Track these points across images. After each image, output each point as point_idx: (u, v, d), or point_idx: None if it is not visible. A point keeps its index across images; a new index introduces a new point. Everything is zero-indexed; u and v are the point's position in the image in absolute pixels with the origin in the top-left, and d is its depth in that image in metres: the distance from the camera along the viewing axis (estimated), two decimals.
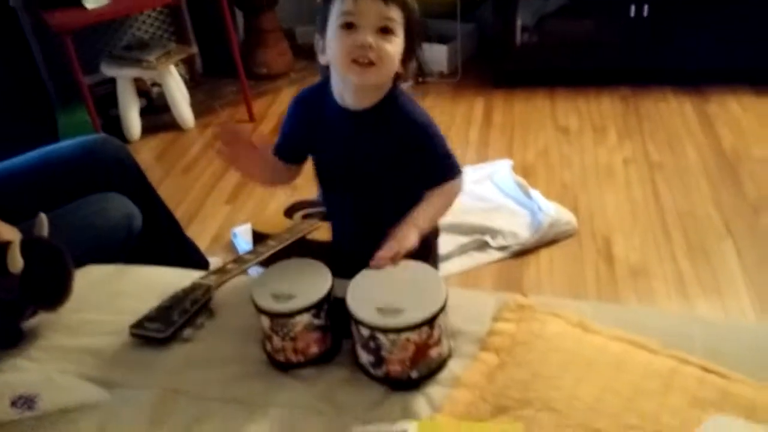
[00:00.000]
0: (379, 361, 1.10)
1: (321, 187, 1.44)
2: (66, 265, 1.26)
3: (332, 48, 1.18)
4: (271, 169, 1.37)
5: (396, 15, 1.15)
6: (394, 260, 1.18)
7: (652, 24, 3.00)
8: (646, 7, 2.96)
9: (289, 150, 1.39)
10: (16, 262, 1.19)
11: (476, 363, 1.13)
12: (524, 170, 2.64)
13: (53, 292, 1.26)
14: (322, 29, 1.21)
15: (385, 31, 1.15)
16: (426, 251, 1.40)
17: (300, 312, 1.13)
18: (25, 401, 1.13)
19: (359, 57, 1.14)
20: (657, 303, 1.99)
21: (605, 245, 2.23)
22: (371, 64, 1.15)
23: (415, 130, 1.25)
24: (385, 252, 1.18)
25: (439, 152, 1.28)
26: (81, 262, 1.42)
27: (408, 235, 1.21)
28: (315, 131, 1.33)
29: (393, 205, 1.27)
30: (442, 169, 1.29)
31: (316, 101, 1.31)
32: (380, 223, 1.24)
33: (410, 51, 1.22)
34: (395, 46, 1.17)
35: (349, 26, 1.14)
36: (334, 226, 1.49)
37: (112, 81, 3.18)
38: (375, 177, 1.30)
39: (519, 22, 3.18)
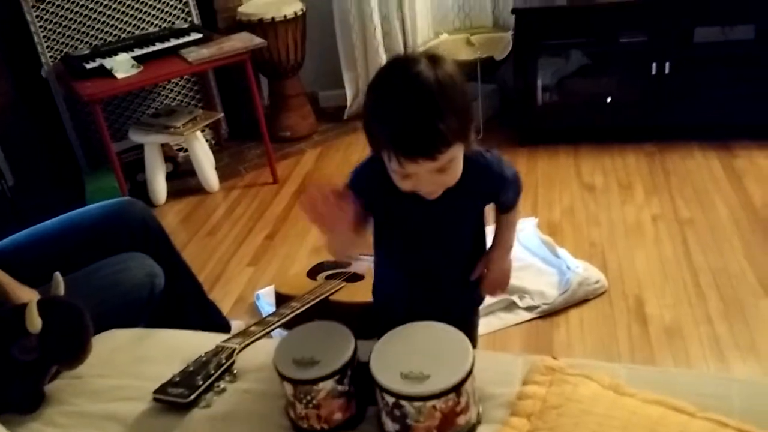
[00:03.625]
0: (405, 429, 1.06)
1: (381, 247, 1.40)
2: (84, 323, 1.28)
3: (396, 182, 1.17)
4: (357, 222, 1.26)
5: (448, 156, 1.11)
6: (503, 289, 1.42)
7: (673, 81, 3.00)
8: (667, 64, 2.96)
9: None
10: (35, 321, 1.22)
11: (506, 429, 1.09)
12: (550, 229, 2.61)
13: (72, 349, 1.28)
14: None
15: (443, 170, 1.13)
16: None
17: (323, 379, 1.10)
18: None
19: (423, 194, 1.18)
20: (692, 364, 1.92)
21: (637, 305, 2.17)
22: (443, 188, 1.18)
23: (495, 178, 1.29)
24: (493, 284, 1.40)
25: (512, 181, 1.33)
26: (103, 321, 1.43)
27: (505, 262, 1.41)
28: (386, 205, 1.27)
29: (457, 256, 1.37)
30: (514, 193, 1.36)
31: (380, 178, 1.21)
32: (440, 275, 1.37)
33: (470, 140, 1.18)
34: (455, 169, 1.15)
35: (407, 176, 1.14)
36: (385, 286, 1.47)
37: (140, 147, 3.25)
38: (447, 235, 1.33)
39: (540, 82, 3.20)
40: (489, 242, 1.42)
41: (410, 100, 1.08)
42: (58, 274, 1.33)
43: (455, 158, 1.13)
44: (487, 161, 1.28)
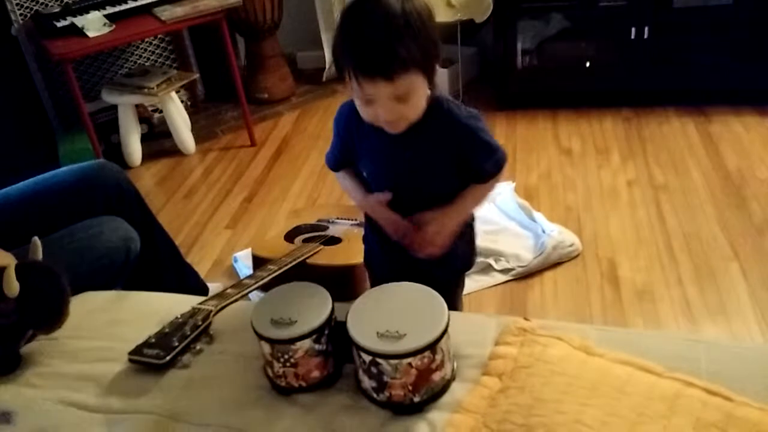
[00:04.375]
0: (382, 386, 1.08)
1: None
2: (62, 288, 1.27)
3: (359, 109, 1.22)
4: None
5: (406, 82, 1.14)
6: (428, 252, 1.32)
7: (652, 45, 3.01)
8: (646, 29, 2.96)
9: (343, 162, 1.42)
10: (12, 285, 1.20)
11: (478, 387, 1.11)
12: (527, 192, 2.63)
13: (50, 314, 1.27)
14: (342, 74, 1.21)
15: (403, 98, 1.16)
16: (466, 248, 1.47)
17: (301, 338, 1.11)
18: (2, 416, 1.15)
19: (383, 124, 1.21)
20: (663, 326, 1.96)
21: (610, 268, 2.21)
22: (403, 119, 1.20)
23: (461, 129, 1.27)
24: (420, 241, 1.31)
25: (489, 148, 1.31)
26: (80, 285, 1.42)
27: (446, 226, 1.32)
28: (358, 143, 1.35)
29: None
30: (492, 164, 1.32)
31: (356, 115, 1.29)
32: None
33: (433, 76, 1.21)
34: (415, 102, 1.18)
35: (368, 101, 1.18)
36: (369, 246, 1.51)
37: (114, 108, 3.19)
38: (423, 187, 1.32)
39: (519, 46, 3.19)
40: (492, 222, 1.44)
41: (373, 21, 1.13)
42: (36, 238, 1.31)
43: (414, 89, 1.16)
44: (450, 108, 1.27)
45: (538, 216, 2.41)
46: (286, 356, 1.12)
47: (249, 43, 3.68)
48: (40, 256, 1.30)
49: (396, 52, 1.11)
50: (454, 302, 1.49)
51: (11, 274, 1.20)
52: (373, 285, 1.50)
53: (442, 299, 1.14)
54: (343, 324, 1.11)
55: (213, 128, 3.50)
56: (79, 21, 2.82)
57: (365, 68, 1.13)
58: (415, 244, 1.33)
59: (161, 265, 1.89)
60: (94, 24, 2.82)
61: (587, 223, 2.43)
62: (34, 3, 3.08)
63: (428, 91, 1.22)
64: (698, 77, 3.08)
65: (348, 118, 1.34)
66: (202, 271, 2.29)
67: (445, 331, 1.08)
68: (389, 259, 1.43)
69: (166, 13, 2.94)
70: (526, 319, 1.26)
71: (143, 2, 3.01)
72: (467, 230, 1.43)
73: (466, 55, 3.53)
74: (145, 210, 1.86)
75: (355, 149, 1.36)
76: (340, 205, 2.70)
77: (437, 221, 1.32)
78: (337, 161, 1.44)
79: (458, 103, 1.30)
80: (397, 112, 1.18)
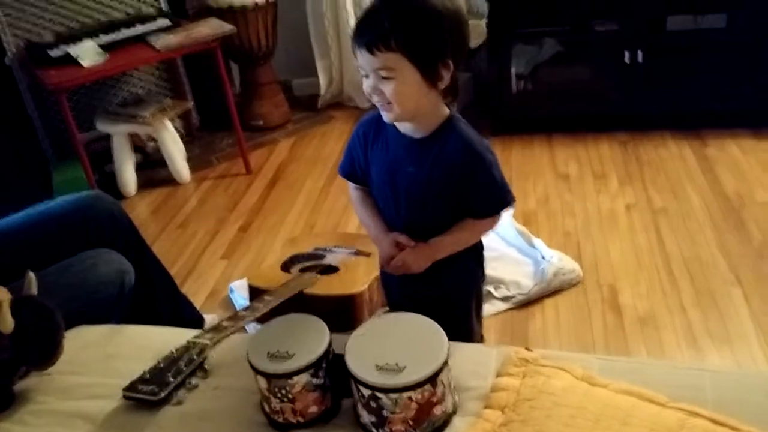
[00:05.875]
0: (382, 421, 1.06)
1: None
2: (56, 324, 1.26)
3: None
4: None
5: (389, 61, 1.16)
6: (395, 270, 1.31)
7: (646, 69, 3.01)
8: (640, 52, 2.98)
9: (355, 171, 1.41)
10: (7, 321, 1.20)
11: (480, 421, 1.09)
12: (525, 218, 2.61)
13: (44, 351, 1.25)
14: None
15: (384, 76, 1.18)
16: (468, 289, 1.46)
17: (298, 372, 1.09)
18: None
19: (375, 101, 1.22)
20: (666, 353, 1.93)
21: (611, 294, 2.18)
22: (389, 103, 1.20)
23: (470, 156, 1.26)
24: (394, 261, 1.30)
25: (495, 185, 1.29)
26: (74, 319, 1.41)
27: (420, 261, 1.30)
28: (370, 152, 1.35)
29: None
30: (494, 203, 1.31)
31: (377, 123, 1.33)
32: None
33: (432, 76, 1.20)
34: (399, 87, 1.18)
35: (364, 74, 1.22)
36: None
37: (108, 137, 3.18)
38: (421, 203, 1.31)
39: (514, 70, 3.20)
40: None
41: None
42: (31, 273, 1.30)
43: (397, 72, 1.17)
44: (465, 131, 1.28)
45: (538, 242, 2.39)
46: (284, 391, 1.10)
47: (244, 70, 3.68)
48: (35, 290, 1.29)
49: (382, 27, 1.15)
50: (469, 326, 1.47)
51: (6, 310, 1.19)
52: (389, 306, 1.53)
53: (441, 330, 1.12)
54: (341, 357, 1.09)
55: (208, 156, 3.49)
56: (73, 50, 2.82)
57: (355, 35, 1.19)
58: (386, 261, 1.33)
59: (156, 297, 1.87)
60: (88, 53, 2.81)
61: (587, 248, 2.41)
62: (27, 32, 3.08)
63: (425, 90, 1.21)
64: (693, 100, 3.08)
65: (367, 125, 1.36)
66: (197, 301, 2.26)
67: (445, 363, 1.06)
68: (399, 281, 1.41)
69: (161, 41, 2.93)
70: (527, 348, 1.24)
71: (137, 31, 3.01)
72: (470, 248, 1.39)
73: (461, 80, 3.51)
74: (139, 241, 1.84)
75: (366, 158, 1.37)
76: (336, 233, 2.68)
77: (414, 252, 1.31)
78: (346, 166, 1.43)
79: (467, 124, 1.30)
80: (379, 89, 1.20)
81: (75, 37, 2.93)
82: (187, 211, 3.06)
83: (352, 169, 1.41)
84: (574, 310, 2.13)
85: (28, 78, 3.10)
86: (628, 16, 2.99)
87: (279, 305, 1.51)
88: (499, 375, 1.17)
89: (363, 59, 1.18)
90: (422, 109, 1.24)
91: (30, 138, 3.24)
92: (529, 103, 3.32)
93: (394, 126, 1.29)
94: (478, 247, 1.43)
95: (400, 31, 1.14)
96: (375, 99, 1.22)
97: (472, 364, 1.21)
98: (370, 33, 1.16)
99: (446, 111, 1.29)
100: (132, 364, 1.26)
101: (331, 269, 2.00)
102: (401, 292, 1.44)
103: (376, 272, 1.63)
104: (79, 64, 2.77)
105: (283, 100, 3.76)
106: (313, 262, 2.05)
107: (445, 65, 1.20)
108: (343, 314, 1.79)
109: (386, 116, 1.25)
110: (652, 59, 2.99)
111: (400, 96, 1.19)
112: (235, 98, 3.28)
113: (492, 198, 1.30)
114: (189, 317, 1.99)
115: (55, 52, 2.84)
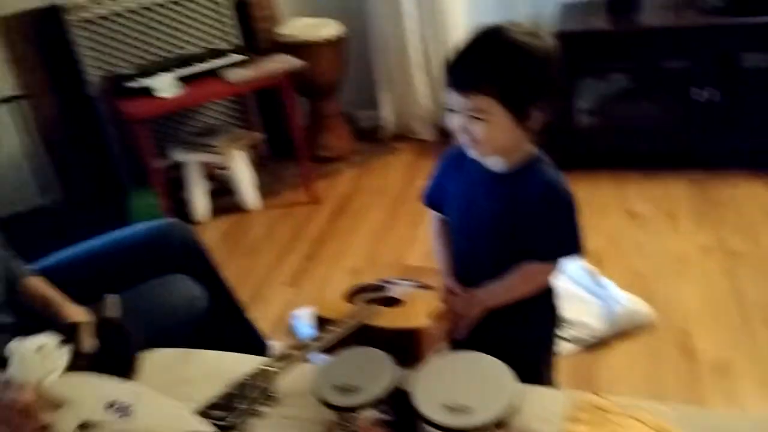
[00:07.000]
0: None
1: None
2: (133, 347, 1.31)
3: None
4: None
5: (481, 103, 1.16)
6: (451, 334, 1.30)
7: (719, 107, 2.93)
8: (711, 89, 2.89)
9: (437, 200, 1.43)
10: (89, 342, 1.22)
11: None
12: (592, 257, 2.54)
13: (119, 372, 1.28)
14: None
15: (475, 116, 1.18)
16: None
17: (365, 406, 1.08)
18: (119, 407, 1.14)
19: (461, 138, 1.22)
20: (743, 404, 1.85)
21: (685, 339, 2.10)
22: (475, 141, 1.21)
23: (549, 196, 1.26)
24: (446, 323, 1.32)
25: (566, 226, 1.29)
26: (147, 343, 1.43)
27: (469, 309, 1.32)
28: (451, 182, 1.37)
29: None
30: (558, 246, 1.29)
31: (461, 154, 1.33)
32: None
33: (523, 118, 1.20)
34: (488, 129, 1.18)
35: (451, 111, 1.22)
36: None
37: (181, 165, 3.28)
38: (485, 237, 1.31)
39: (579, 105, 3.16)
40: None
41: (480, 40, 1.19)
42: (114, 296, 1.35)
43: (488, 115, 1.16)
44: (549, 172, 1.27)
45: (606, 282, 2.33)
46: (349, 424, 1.09)
47: (311, 102, 3.76)
48: (119, 314, 1.33)
49: (473, 69, 1.15)
50: (539, 371, 1.43)
51: (89, 331, 1.23)
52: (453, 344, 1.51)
53: (509, 370, 1.10)
54: (406, 393, 1.08)
55: (276, 185, 3.55)
56: (150, 82, 2.94)
57: (447, 76, 1.20)
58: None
59: (225, 323, 1.91)
60: (164, 85, 2.93)
61: (659, 290, 2.33)
62: (108, 65, 3.22)
63: (517, 132, 1.20)
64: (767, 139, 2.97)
65: (451, 156, 1.38)
66: (260, 327, 2.28)
67: (515, 405, 1.04)
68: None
69: (233, 75, 3.03)
70: (597, 394, 1.20)
71: (212, 65, 3.12)
72: (540, 296, 1.37)
73: None
74: (212, 268, 1.89)
75: (446, 189, 1.38)
76: (400, 264, 2.67)
77: (461, 300, 1.33)
78: (428, 194, 1.45)
79: (559, 174, 1.27)
80: (467, 129, 1.19)
81: (153, 70, 3.06)
82: (254, 238, 3.12)
83: (434, 197, 1.43)
84: (646, 355, 2.06)
85: (108, 108, 3.24)
86: (698, 54, 2.93)
87: (345, 336, 1.51)
88: (568, 420, 1.14)
89: (453, 99, 1.18)
90: (509, 147, 1.24)
91: (107, 165, 3.37)
92: (595, 139, 3.26)
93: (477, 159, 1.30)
94: (550, 289, 1.40)
95: (494, 75, 1.14)
96: (462, 137, 1.22)
97: (539, 407, 1.17)
98: (463, 75, 1.16)
99: (532, 149, 1.28)
100: (202, 389, 1.27)
101: (394, 301, 1.99)
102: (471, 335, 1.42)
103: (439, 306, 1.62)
104: (156, 96, 2.88)
105: (348, 131, 3.81)
106: (377, 294, 2.05)
107: (538, 107, 1.19)
108: (406, 348, 1.78)
109: (470, 152, 1.26)
110: (726, 96, 2.91)
111: (489, 137, 1.19)
112: (302, 130, 3.34)
113: (559, 241, 1.28)
114: (254, 343, 2.02)
115: (133, 84, 2.97)
